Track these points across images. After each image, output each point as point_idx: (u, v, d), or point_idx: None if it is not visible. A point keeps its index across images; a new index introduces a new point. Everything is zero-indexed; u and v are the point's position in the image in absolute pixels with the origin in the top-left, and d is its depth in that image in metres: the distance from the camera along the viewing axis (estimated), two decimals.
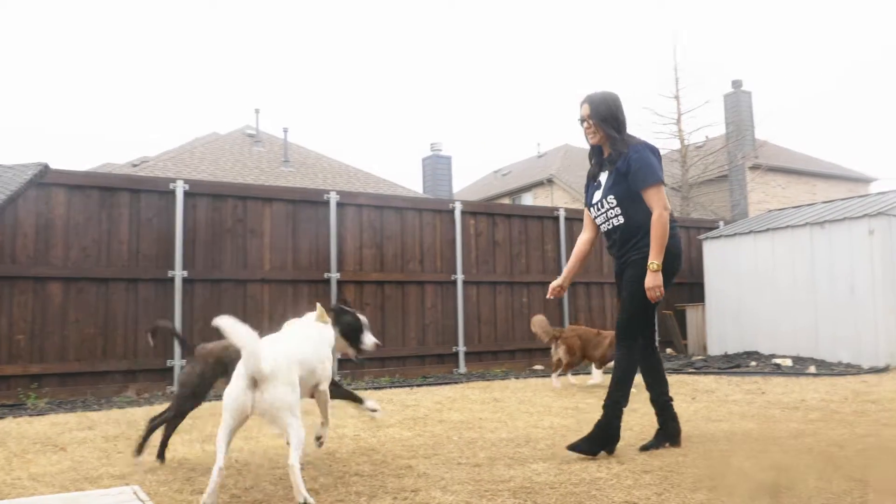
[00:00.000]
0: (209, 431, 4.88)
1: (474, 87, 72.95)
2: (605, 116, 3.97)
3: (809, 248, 9.52)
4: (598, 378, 7.20)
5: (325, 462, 3.75)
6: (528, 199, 27.90)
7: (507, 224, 9.90)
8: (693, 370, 8.76)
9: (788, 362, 8.99)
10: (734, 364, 9.09)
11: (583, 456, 3.70)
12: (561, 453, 3.83)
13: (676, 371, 8.66)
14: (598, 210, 4.08)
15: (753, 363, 9.12)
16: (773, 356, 9.50)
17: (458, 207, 9.44)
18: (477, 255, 9.56)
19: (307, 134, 65.50)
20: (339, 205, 8.56)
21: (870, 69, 56.87)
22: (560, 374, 7.24)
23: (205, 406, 5.80)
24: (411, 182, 41.11)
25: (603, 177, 4.06)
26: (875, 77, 56.37)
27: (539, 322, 7.36)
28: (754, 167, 21.85)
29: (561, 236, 10.26)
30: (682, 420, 4.26)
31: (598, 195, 4.08)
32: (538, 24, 69.85)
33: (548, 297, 4.35)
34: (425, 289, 9.04)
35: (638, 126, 29.95)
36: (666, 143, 18.41)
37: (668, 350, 11.06)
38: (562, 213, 10.40)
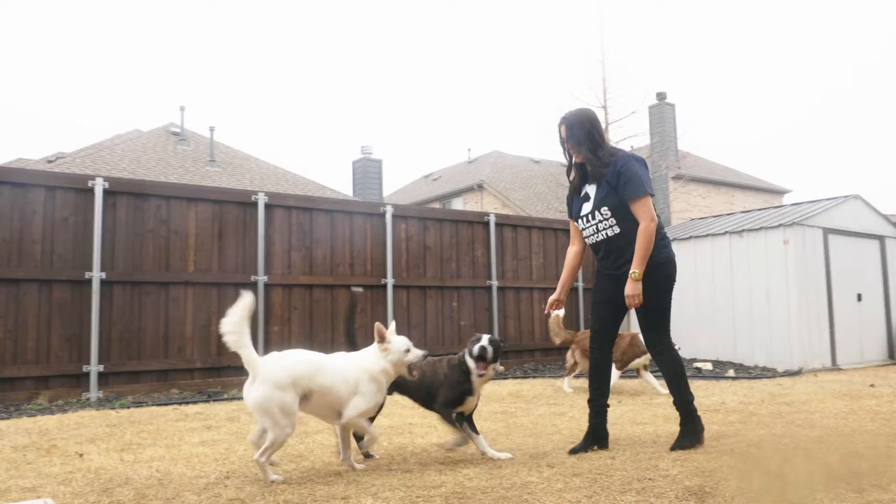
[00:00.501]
0: (127, 439, 4.68)
1: (406, 90, 73.02)
2: (581, 140, 4.00)
3: (728, 256, 9.87)
4: (616, 379, 6.86)
5: (251, 470, 3.63)
6: (458, 204, 28.03)
7: (439, 228, 9.90)
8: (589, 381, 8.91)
9: (709, 366, 9.28)
10: (657, 368, 9.32)
11: (515, 461, 3.72)
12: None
13: None
14: (588, 222, 4.13)
15: (700, 367, 9.38)
16: (695, 360, 9.80)
17: (389, 211, 9.38)
18: (408, 259, 9.51)
19: (234, 133, 64.26)
20: (268, 206, 8.38)
21: (783, 87, 59.63)
22: (576, 376, 7.48)
23: (123, 414, 5.58)
24: (341, 185, 40.76)
25: (591, 189, 4.11)
26: (788, 94, 59.17)
27: (554, 321, 7.24)
28: (677, 177, 22.57)
29: (491, 241, 10.32)
30: (609, 423, 4.33)
31: (587, 207, 4.12)
32: (469, 30, 70.48)
33: (546, 311, 4.56)
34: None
35: None
36: None
37: None
38: (492, 219, 10.47)
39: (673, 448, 3.97)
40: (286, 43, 72.87)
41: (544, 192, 26.66)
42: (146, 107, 60.04)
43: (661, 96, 24.02)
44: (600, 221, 4.05)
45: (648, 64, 39.42)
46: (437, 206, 27.73)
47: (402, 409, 6.11)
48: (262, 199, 8.32)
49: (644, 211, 3.91)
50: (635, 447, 4.09)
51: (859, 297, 9.98)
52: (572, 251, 4.42)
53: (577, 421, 5.28)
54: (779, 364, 9.02)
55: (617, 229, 4.02)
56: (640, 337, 6.93)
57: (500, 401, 6.60)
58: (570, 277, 4.44)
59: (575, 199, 4.26)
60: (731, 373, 8.73)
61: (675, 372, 4.14)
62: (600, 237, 4.10)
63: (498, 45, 66.24)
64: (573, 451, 3.98)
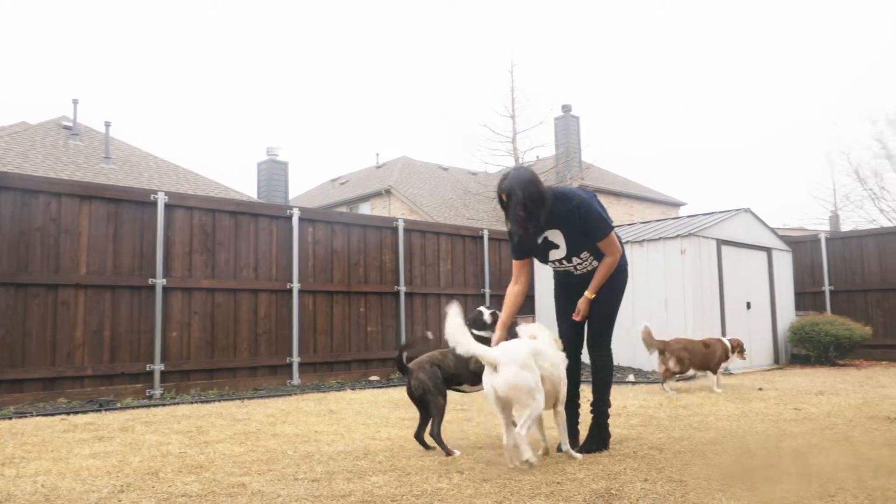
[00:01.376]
0: (9, 453, 4.36)
1: (313, 92, 71.93)
2: (532, 211, 3.90)
3: (630, 264, 10.18)
4: (714, 382, 7.65)
5: (148, 483, 3.45)
6: (365, 209, 27.84)
7: (347, 233, 9.77)
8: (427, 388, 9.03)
9: None
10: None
11: (424, 467, 3.68)
12: (400, 465, 3.79)
13: None
14: (563, 265, 4.28)
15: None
16: None
17: (296, 214, 9.18)
18: (314, 263, 9.34)
19: (132, 130, 61.37)
20: (168, 206, 8.04)
21: (679, 104, 62.51)
22: (676, 380, 8.03)
23: (4, 425, 5.20)
24: (245, 186, 39.70)
25: (554, 235, 4.16)
26: (682, 111, 62.07)
27: (646, 333, 7.73)
28: (580, 188, 23.17)
29: (399, 247, 10.28)
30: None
31: (557, 253, 4.22)
32: (378, 35, 70.30)
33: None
34: (259, 297, 8.69)
35: (475, 142, 30.79)
36: (501, 161, 19.07)
37: None
38: (401, 224, 10.43)
39: (579, 451, 4.05)
40: (188, 37, 70.53)
41: (452, 198, 26.84)
42: (34, 99, 56.59)
43: (566, 108, 24.66)
44: (579, 263, 4.24)
45: (555, 77, 40.48)
46: (344, 210, 27.44)
47: (308, 416, 5.98)
48: (161, 199, 7.98)
49: (612, 247, 4.15)
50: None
51: (748, 306, 10.52)
52: (516, 290, 4.31)
53: (485, 427, 5.31)
54: None
55: (596, 263, 4.22)
56: (727, 342, 7.95)
57: (407, 407, 6.54)
58: (514, 317, 4.34)
59: (533, 244, 4.22)
60: (630, 377, 9.01)
61: (607, 377, 4.34)
62: (579, 271, 4.28)
63: (408, 51, 66.40)
64: (560, 451, 4.11)
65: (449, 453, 4.06)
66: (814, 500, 2.88)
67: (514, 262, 4.35)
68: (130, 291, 7.67)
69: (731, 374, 9.59)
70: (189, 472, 3.72)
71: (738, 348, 7.97)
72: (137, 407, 6.76)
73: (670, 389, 7.55)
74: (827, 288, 12.23)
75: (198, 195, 9.57)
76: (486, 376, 3.64)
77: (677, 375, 7.74)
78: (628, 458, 3.86)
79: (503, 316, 4.29)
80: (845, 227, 27.49)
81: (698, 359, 7.68)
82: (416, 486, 3.26)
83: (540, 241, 4.20)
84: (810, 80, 55.95)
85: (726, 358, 7.87)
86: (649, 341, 7.70)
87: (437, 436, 4.19)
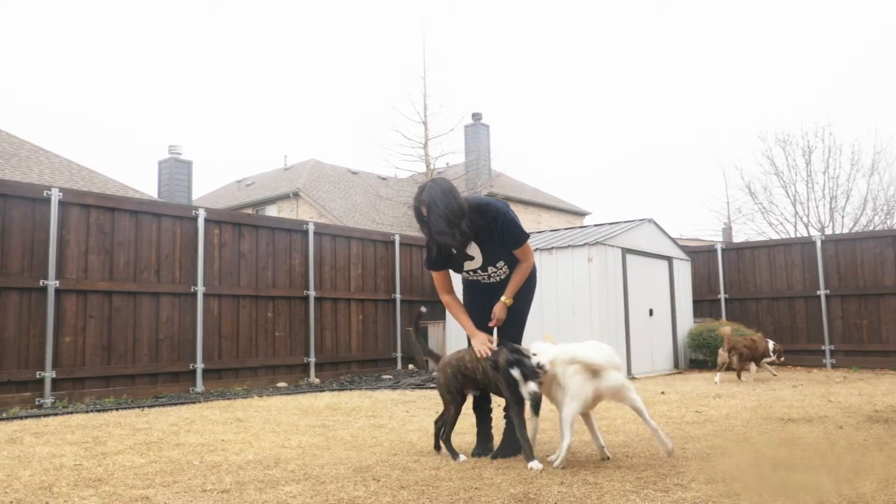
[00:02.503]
0: None
1: (217, 89, 69.84)
2: (454, 222, 3.87)
3: (539, 271, 10.36)
4: (751, 376, 9.16)
5: (41, 498, 3.21)
6: (272, 212, 27.26)
7: (255, 235, 9.51)
8: (434, 385, 9.04)
9: None
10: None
11: (338, 475, 3.59)
12: (314, 473, 3.69)
13: (419, 386, 8.89)
14: (478, 274, 4.28)
15: None
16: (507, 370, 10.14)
17: (202, 215, 8.85)
18: (220, 266, 9.03)
19: (21, 123, 57.92)
20: (63, 203, 7.59)
21: (584, 115, 64.38)
22: (726, 371, 9.23)
23: None
24: (145, 186, 38.09)
25: (469, 250, 4.17)
26: (592, 121, 63.93)
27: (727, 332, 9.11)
28: (489, 196, 23.48)
29: (310, 250, 10.09)
30: (429, 434, 4.38)
31: (472, 264, 4.22)
32: (289, 34, 69.02)
33: (484, 354, 4.17)
34: (161, 301, 8.32)
35: (386, 147, 30.68)
36: (413, 166, 19.07)
37: (410, 366, 11.35)
38: (311, 228, 10.25)
39: (494, 456, 4.06)
40: (84, 28, 67.16)
41: (362, 203, 26.64)
42: None
43: (476, 117, 24.95)
44: (494, 272, 4.26)
45: (467, 84, 40.85)
46: (249, 212, 26.77)
47: (214, 424, 5.76)
48: (55, 196, 7.52)
49: (527, 253, 4.22)
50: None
51: (651, 312, 10.90)
52: (454, 297, 4.37)
53: (397, 433, 5.25)
54: None
55: (509, 271, 4.25)
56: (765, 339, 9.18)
57: (317, 414, 6.42)
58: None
59: (449, 257, 4.21)
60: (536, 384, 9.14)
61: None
62: (492, 280, 4.30)
63: (318, 52, 65.50)
64: (475, 454, 4.18)
65: (455, 457, 4.02)
66: (722, 498, 2.98)
67: (435, 274, 4.34)
68: (19, 293, 7.19)
69: (635, 378, 9.89)
70: (86, 485, 3.49)
71: (779, 353, 9.41)
72: (26, 417, 6.32)
73: (720, 379, 8.93)
74: (723, 296, 12.82)
75: (96, 192, 9.08)
76: (587, 381, 3.78)
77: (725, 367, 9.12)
78: (543, 462, 3.89)
79: (470, 325, 4.26)
80: (737, 238, 28.98)
81: (749, 352, 9.03)
82: (331, 495, 3.17)
83: (455, 252, 4.19)
84: (711, 96, 58.81)
85: (768, 355, 9.25)
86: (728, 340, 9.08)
87: (445, 440, 4.16)
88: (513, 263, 4.23)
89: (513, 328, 4.35)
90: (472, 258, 4.21)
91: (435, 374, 4.43)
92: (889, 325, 11.19)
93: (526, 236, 4.18)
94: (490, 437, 4.36)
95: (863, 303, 11.49)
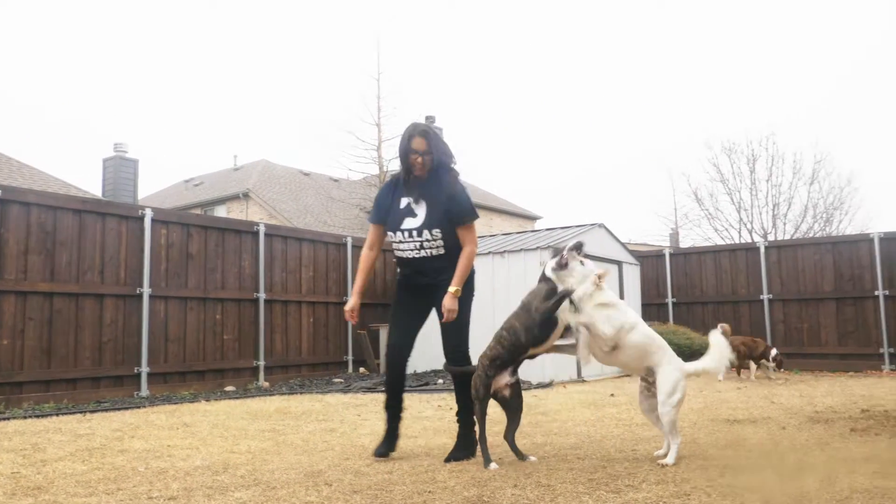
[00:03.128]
0: None
1: (165, 86, 68.29)
2: (446, 151, 4.00)
3: (491, 274, 10.41)
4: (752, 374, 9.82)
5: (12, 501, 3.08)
6: (221, 212, 26.79)
7: (203, 236, 9.32)
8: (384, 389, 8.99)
9: None
10: (423, 382, 9.54)
11: (289, 481, 3.53)
12: (264, 478, 3.62)
13: (371, 390, 8.83)
14: (411, 238, 4.10)
15: (441, 380, 9.67)
16: None
17: (148, 215, 8.64)
18: (168, 267, 8.82)
19: None
20: (2, 201, 7.31)
21: (536, 120, 65.04)
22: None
23: None
24: (89, 184, 37.02)
25: (415, 205, 4.09)
26: (541, 127, 64.63)
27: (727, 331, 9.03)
28: None
29: (260, 252, 9.94)
30: (378, 437, 4.38)
31: (411, 222, 4.10)
32: (239, 33, 68.00)
33: (347, 319, 4.42)
34: (105, 302, 8.08)
35: (339, 149, 30.58)
36: (366, 168, 18.99)
37: (361, 369, 11.26)
38: (262, 229, 10.10)
39: (447, 460, 4.04)
40: (24, 16, 64.95)
41: (314, 205, 26.39)
42: None
43: (429, 119, 24.92)
44: (427, 241, 4.09)
45: (421, 88, 40.93)
46: (198, 212, 26.27)
47: (159, 430, 5.61)
48: None
49: (472, 236, 4.12)
50: (411, 460, 4.10)
51: None
52: (371, 256, 4.36)
53: (349, 437, 5.20)
54: (533, 377, 9.65)
55: (442, 250, 4.11)
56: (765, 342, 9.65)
57: (267, 418, 6.31)
58: (366, 283, 4.38)
59: (394, 209, 4.17)
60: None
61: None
62: (422, 254, 4.13)
63: (270, 51, 64.67)
64: (379, 454, 4.14)
65: (487, 463, 3.82)
66: (673, 499, 3.02)
67: (370, 228, 4.34)
68: None
69: (585, 381, 10.01)
70: (25, 494, 3.36)
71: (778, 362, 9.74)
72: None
73: (753, 377, 9.75)
74: (670, 300, 13.09)
75: (37, 190, 8.77)
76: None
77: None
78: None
79: (358, 283, 4.30)
80: (684, 243, 29.63)
81: (748, 351, 9.57)
82: (283, 501, 3.12)
83: (403, 205, 4.15)
84: (660, 103, 60.01)
85: (768, 357, 9.65)
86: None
87: (480, 440, 3.98)
88: (450, 242, 4.11)
89: (456, 336, 4.26)
90: (414, 216, 4.12)
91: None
92: (828, 328, 11.57)
93: (475, 215, 4.13)
94: (397, 437, 4.31)
95: (803, 307, 11.86)
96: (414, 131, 4.06)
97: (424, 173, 4.11)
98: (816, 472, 3.52)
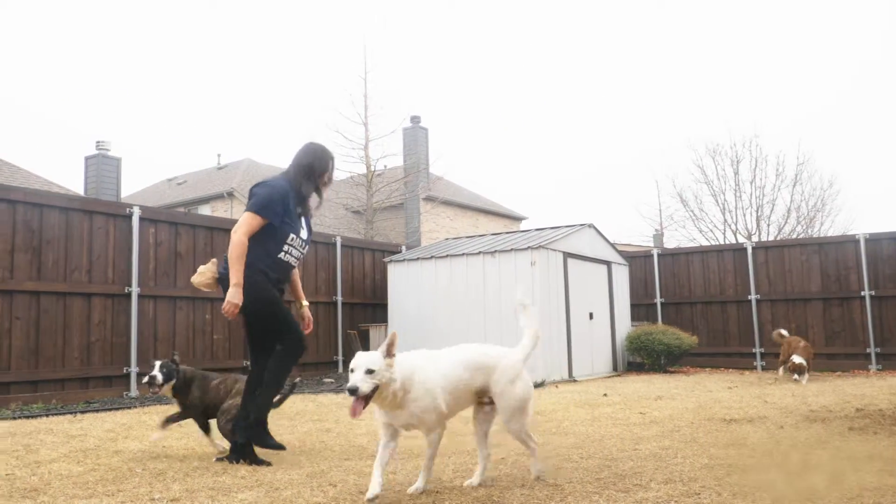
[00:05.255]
0: None
1: (147, 84, 67.62)
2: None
3: (482, 273, 10.40)
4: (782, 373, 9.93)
5: None
6: (205, 211, 26.54)
7: (192, 235, 9.21)
8: None
9: None
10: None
11: (292, 481, 3.48)
12: (266, 479, 3.57)
13: None
14: (301, 247, 4.36)
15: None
16: None
17: (136, 213, 8.53)
18: (156, 266, 8.72)
19: None
20: None
21: (523, 121, 65.12)
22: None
23: None
24: (71, 182, 36.53)
25: (303, 220, 4.40)
26: (527, 129, 64.70)
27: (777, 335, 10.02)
28: (428, 199, 23.47)
29: None
30: (375, 438, 4.32)
31: (305, 234, 4.40)
32: (224, 31, 67.53)
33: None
34: (93, 302, 7.97)
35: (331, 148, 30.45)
36: (353, 167, 18.90)
37: None
38: None
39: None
40: (5, 16, 64.08)
41: None
42: None
43: (415, 119, 24.86)
44: (305, 250, 4.43)
45: (408, 87, 40.79)
46: (181, 211, 26.04)
47: (152, 430, 5.52)
48: None
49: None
50: (415, 461, 4.06)
51: (591, 316, 11.05)
52: (248, 242, 4.13)
53: (346, 437, 5.16)
54: None
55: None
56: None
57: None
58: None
59: (293, 217, 4.28)
60: None
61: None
62: (297, 263, 4.42)
63: (255, 50, 64.25)
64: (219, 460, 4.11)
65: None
66: (684, 498, 3.00)
67: (260, 221, 4.13)
68: None
69: (576, 381, 10.01)
70: (22, 496, 3.29)
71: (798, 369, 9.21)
72: None
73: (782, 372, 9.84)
74: (658, 300, 13.13)
75: (24, 188, 8.64)
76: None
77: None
78: (500, 465, 3.88)
79: (240, 273, 4.03)
80: (668, 244, 29.77)
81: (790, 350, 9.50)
82: (289, 502, 3.07)
83: (297, 215, 4.33)
84: (646, 105, 60.32)
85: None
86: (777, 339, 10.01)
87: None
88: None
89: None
90: (303, 226, 4.39)
91: None
92: (815, 329, 11.66)
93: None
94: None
95: (791, 307, 11.94)
96: (332, 157, 4.48)
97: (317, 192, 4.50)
98: (822, 470, 3.53)
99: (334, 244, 11.43)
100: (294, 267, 4.40)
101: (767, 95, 48.60)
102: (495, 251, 10.38)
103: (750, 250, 12.39)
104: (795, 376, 9.14)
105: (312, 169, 4.34)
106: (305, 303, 4.56)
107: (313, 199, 4.46)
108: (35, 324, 7.44)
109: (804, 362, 9.14)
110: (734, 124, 50.26)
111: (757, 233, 27.43)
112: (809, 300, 11.76)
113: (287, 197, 4.24)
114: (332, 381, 10.01)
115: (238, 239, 4.07)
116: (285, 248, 4.23)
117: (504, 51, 64.76)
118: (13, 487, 3.47)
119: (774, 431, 5.02)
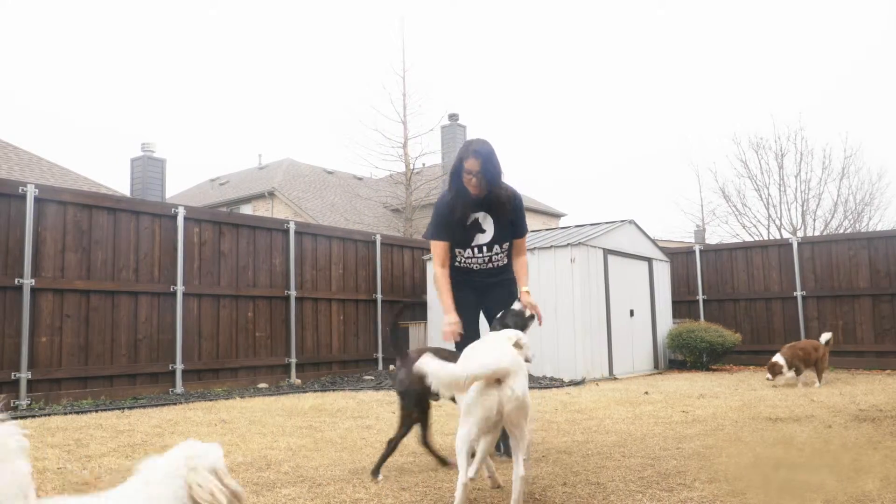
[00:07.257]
0: None
1: (192, 88, 68.97)
2: (495, 175, 3.95)
3: None
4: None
5: None
6: (247, 211, 26.93)
7: (235, 234, 9.36)
8: None
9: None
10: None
11: (334, 477, 3.52)
12: (308, 475, 3.61)
13: None
14: (482, 253, 4.14)
15: None
16: None
17: (181, 213, 8.69)
18: (200, 265, 8.88)
19: None
20: (38, 200, 7.39)
21: (558, 115, 64.71)
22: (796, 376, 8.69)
23: None
24: (117, 184, 37.40)
25: (484, 220, 4.10)
26: (565, 124, 64.29)
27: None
28: None
29: (290, 250, 9.96)
30: (418, 435, 4.31)
31: (483, 238, 4.12)
32: (264, 32, 68.44)
33: (448, 339, 4.01)
34: (139, 300, 8.15)
35: (365, 147, 30.62)
36: (392, 166, 18.99)
37: (392, 367, 11.25)
38: (292, 227, 10.12)
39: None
40: (55, 19, 65.86)
41: (338, 202, 26.46)
42: None
43: (453, 117, 24.87)
44: (496, 254, 4.15)
45: (445, 84, 40.86)
46: (225, 211, 26.45)
47: (198, 426, 5.63)
48: (31, 192, 7.32)
49: (525, 245, 4.26)
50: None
51: (632, 313, 10.94)
52: (446, 273, 4.16)
53: (387, 434, 5.14)
54: (564, 374, 9.58)
55: (505, 261, 4.22)
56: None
57: (302, 415, 6.32)
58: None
59: (466, 227, 4.11)
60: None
61: None
62: (488, 266, 4.20)
63: (294, 50, 64.99)
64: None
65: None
66: (729, 497, 2.96)
67: (438, 245, 4.11)
68: None
69: (616, 379, 9.92)
70: (73, 490, 3.38)
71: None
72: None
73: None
74: (701, 297, 12.93)
75: (73, 189, 8.84)
76: (484, 393, 2.78)
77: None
78: (541, 463, 3.86)
79: (450, 302, 4.02)
80: (710, 240, 29.27)
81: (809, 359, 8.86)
82: (332, 498, 3.10)
83: (469, 221, 4.11)
84: (687, 99, 59.44)
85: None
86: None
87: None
88: (509, 253, 4.21)
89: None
90: (484, 231, 4.12)
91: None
92: (863, 325, 11.35)
93: (527, 229, 4.29)
94: None
95: (838, 304, 11.64)
96: (469, 154, 3.98)
97: (482, 192, 4.04)
98: (874, 472, 3.43)
99: (374, 242, 11.50)
100: (484, 269, 4.25)
101: (812, 87, 47.49)
102: (534, 248, 10.33)
103: (795, 246, 12.12)
104: (768, 376, 8.48)
105: (453, 173, 4.12)
106: (524, 289, 4.03)
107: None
108: (85, 322, 7.64)
109: (779, 361, 8.49)
110: (778, 117, 49.14)
111: (802, 228, 26.82)
112: (858, 296, 11.45)
113: (448, 213, 4.16)
114: (372, 378, 10.08)
115: (436, 272, 4.21)
116: (462, 257, 4.30)
117: (540, 43, 64.40)
118: (66, 481, 3.57)
119: (822, 431, 4.91)
